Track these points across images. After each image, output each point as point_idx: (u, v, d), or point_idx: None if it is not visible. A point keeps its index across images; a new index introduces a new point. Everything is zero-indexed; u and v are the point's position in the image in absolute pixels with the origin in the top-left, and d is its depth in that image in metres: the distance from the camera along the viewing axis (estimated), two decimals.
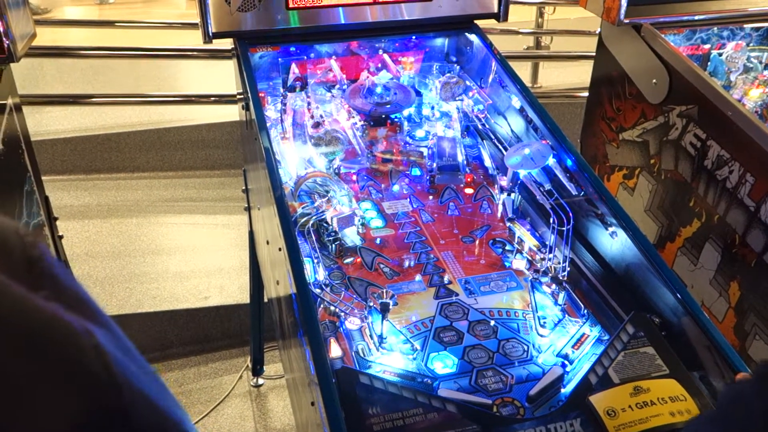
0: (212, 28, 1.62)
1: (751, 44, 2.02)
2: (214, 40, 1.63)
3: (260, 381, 2.47)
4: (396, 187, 1.58)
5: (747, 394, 0.49)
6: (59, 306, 0.36)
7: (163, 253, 2.86)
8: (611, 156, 2.15)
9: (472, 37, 1.79)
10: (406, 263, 1.35)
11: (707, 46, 2.01)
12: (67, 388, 0.35)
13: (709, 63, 2.03)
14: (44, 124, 3.36)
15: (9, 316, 0.33)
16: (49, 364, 0.34)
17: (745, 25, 2.00)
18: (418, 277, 1.32)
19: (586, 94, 2.30)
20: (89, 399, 0.35)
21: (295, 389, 1.39)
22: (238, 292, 2.60)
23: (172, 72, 4.05)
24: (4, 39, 1.50)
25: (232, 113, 3.19)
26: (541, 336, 1.18)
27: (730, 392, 0.54)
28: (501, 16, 1.78)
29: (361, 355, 1.14)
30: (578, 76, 3.87)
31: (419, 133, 1.70)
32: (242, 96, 1.62)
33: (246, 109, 1.58)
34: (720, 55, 2.02)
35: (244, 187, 2.06)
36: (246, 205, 2.07)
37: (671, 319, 1.14)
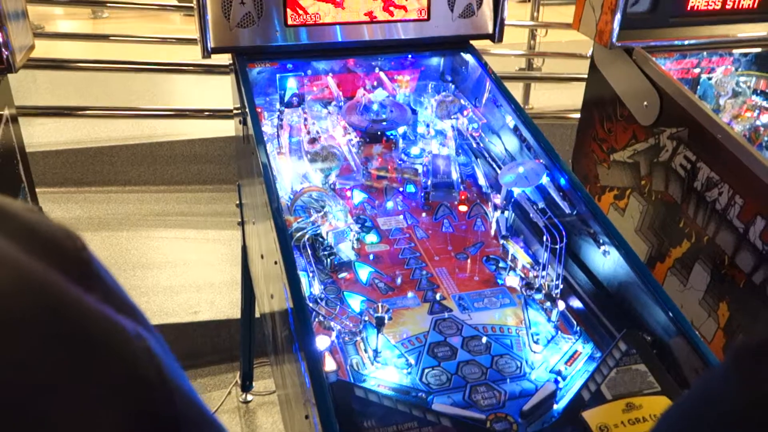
0: (211, 43, 1.63)
1: (740, 69, 2.06)
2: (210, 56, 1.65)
3: (249, 397, 2.45)
4: (390, 204, 1.59)
5: (718, 384, 0.44)
6: (111, 308, 0.36)
7: (153, 267, 2.85)
8: (602, 176, 2.17)
9: (468, 57, 1.82)
10: (400, 279, 1.36)
11: (697, 71, 2.05)
12: (120, 392, 0.34)
13: (698, 87, 2.06)
14: (36, 136, 3.35)
15: (68, 317, 0.33)
16: (105, 368, 0.34)
17: (734, 51, 2.05)
18: (411, 293, 1.33)
19: (577, 115, 2.34)
20: (142, 404, 0.35)
21: (288, 404, 1.38)
22: (228, 307, 2.59)
23: (165, 86, 4.06)
24: (3, 50, 1.51)
25: (224, 128, 3.20)
26: (534, 352, 1.19)
27: (700, 384, 0.49)
28: (496, 37, 1.81)
29: (356, 368, 1.14)
30: (569, 98, 3.92)
31: (414, 150, 1.72)
32: (239, 111, 1.63)
33: (243, 123, 1.59)
34: (709, 79, 2.06)
35: (237, 202, 2.06)
36: (239, 220, 2.07)
37: (663, 337, 1.15)
